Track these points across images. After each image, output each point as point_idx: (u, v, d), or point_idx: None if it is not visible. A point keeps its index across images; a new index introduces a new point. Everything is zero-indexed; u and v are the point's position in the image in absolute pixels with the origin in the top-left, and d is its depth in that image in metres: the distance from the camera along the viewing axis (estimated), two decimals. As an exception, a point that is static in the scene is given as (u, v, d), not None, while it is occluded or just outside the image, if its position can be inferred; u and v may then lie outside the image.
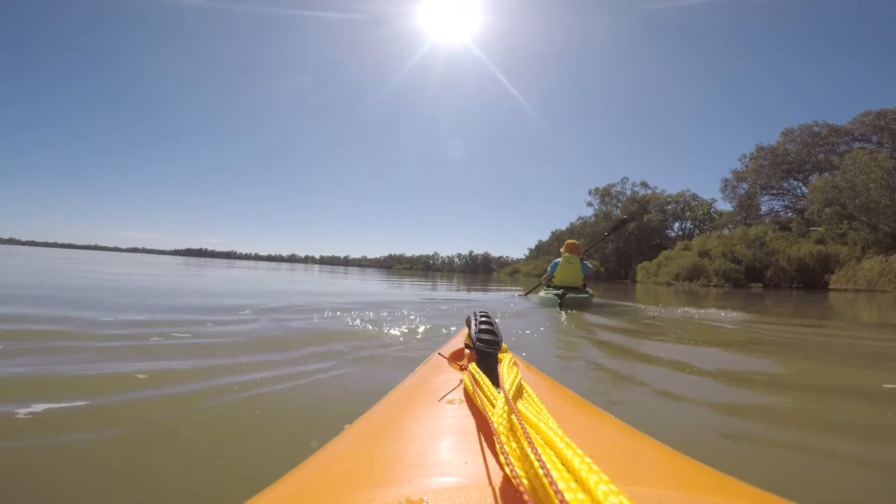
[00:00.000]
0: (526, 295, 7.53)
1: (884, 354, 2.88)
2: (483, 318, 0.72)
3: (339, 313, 3.64)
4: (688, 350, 2.64)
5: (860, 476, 1.00)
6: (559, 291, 5.62)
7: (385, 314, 3.75)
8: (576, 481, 0.27)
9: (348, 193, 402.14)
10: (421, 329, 2.97)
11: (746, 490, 0.37)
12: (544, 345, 2.79)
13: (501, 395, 0.44)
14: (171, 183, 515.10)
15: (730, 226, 35.66)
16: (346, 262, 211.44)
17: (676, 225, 44.57)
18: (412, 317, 3.65)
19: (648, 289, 19.11)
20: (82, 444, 1.03)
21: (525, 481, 0.30)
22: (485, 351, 0.63)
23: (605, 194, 47.86)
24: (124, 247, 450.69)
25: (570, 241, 6.72)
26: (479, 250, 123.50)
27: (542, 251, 62.50)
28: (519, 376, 0.55)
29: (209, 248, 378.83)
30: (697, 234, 37.45)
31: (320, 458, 0.47)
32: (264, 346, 2.24)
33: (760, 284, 20.33)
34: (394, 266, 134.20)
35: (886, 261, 15.16)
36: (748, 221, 31.17)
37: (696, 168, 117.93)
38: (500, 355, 0.65)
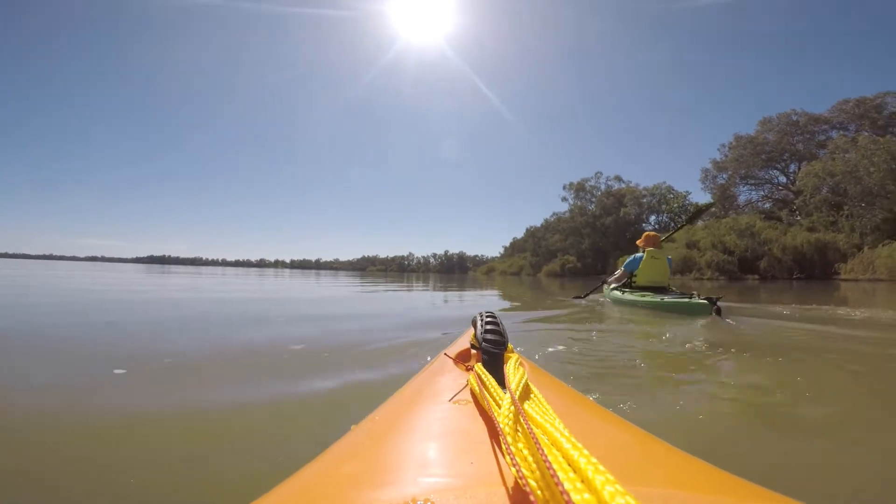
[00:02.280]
0: (585, 297, 6.46)
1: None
2: (489, 319, 0.72)
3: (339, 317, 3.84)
4: (701, 349, 2.51)
5: (869, 477, 0.99)
6: (653, 294, 4.80)
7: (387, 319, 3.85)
8: (582, 482, 0.28)
9: (319, 196, 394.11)
10: (426, 331, 3.02)
11: (754, 490, 0.37)
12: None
13: (507, 395, 0.45)
14: (130, 187, 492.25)
15: (705, 217, 35.24)
16: (318, 266, 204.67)
17: (653, 218, 44.35)
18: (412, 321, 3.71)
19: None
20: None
21: (531, 482, 0.30)
22: (491, 351, 0.64)
23: (579, 189, 47.91)
24: (82, 255, 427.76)
25: (649, 232, 5.75)
26: (454, 249, 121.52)
27: (517, 248, 62.10)
28: (525, 377, 0.55)
29: (174, 255, 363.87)
30: (673, 228, 36.98)
31: (327, 458, 0.48)
32: (269, 349, 2.32)
33: (756, 276, 19.30)
34: (367, 268, 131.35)
35: None
36: (726, 212, 30.60)
37: (671, 162, 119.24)
38: (506, 356, 0.66)
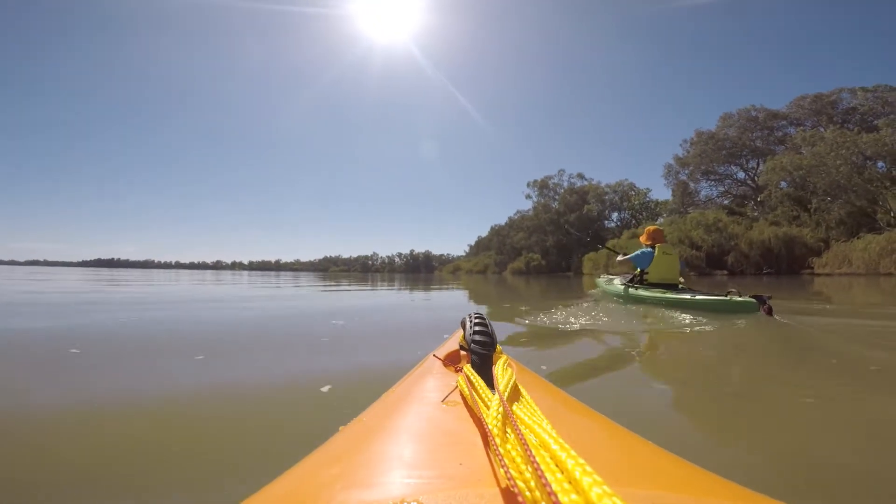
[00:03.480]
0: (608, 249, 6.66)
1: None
2: (478, 320, 0.72)
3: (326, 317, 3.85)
4: (689, 348, 2.55)
5: (854, 478, 0.99)
6: (671, 290, 4.64)
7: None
8: (570, 483, 0.28)
9: (279, 195, 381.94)
10: (415, 330, 3.18)
11: (739, 491, 0.37)
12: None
13: (496, 396, 0.46)
14: (73, 188, 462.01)
15: (665, 214, 35.32)
16: (278, 267, 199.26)
17: (615, 215, 44.75)
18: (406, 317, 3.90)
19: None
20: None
21: (520, 483, 0.30)
22: (479, 353, 0.64)
23: (542, 186, 48.27)
24: (22, 260, 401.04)
25: (653, 227, 5.45)
26: (419, 249, 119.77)
27: (482, 247, 61.67)
28: (513, 378, 0.55)
29: (123, 258, 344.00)
30: (634, 225, 37.09)
31: (315, 460, 0.48)
32: (256, 349, 2.32)
33: (725, 271, 18.90)
34: (329, 269, 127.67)
35: (887, 239, 13.76)
36: (685, 208, 30.65)
37: (633, 160, 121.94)
38: (494, 357, 0.66)
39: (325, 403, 1.43)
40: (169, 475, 0.94)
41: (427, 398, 0.60)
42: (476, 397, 0.50)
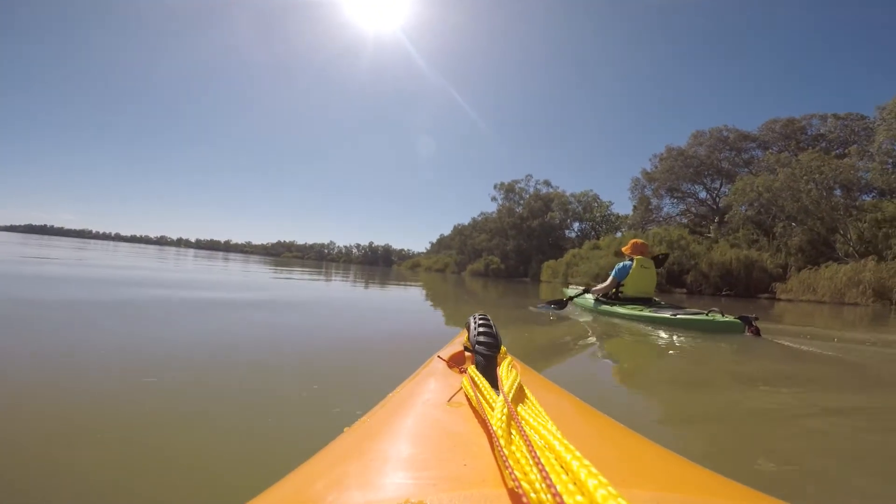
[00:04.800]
0: (562, 308, 5.45)
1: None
2: (482, 321, 0.73)
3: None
4: (691, 353, 2.66)
5: (854, 479, 1.04)
6: (646, 306, 4.57)
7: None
8: (574, 484, 0.28)
9: (234, 173, 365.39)
10: (420, 331, 3.21)
11: (744, 491, 0.38)
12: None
13: (500, 397, 0.46)
14: None
15: (624, 228, 35.43)
16: (228, 248, 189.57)
17: (577, 225, 45.08)
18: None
19: (557, 289, 16.58)
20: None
21: (524, 484, 0.30)
22: (484, 354, 0.64)
23: (509, 190, 48.20)
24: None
25: (636, 240, 5.31)
26: (379, 242, 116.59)
27: (444, 245, 60.77)
28: (518, 379, 0.56)
29: (58, 226, 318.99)
30: (594, 236, 37.18)
31: (320, 460, 0.48)
32: (259, 348, 2.26)
33: (684, 290, 18.51)
34: (282, 254, 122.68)
35: (854, 269, 13.56)
36: (646, 224, 30.72)
37: (602, 171, 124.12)
38: (499, 358, 0.66)
39: (326, 404, 1.44)
40: (169, 476, 0.94)
41: (431, 399, 0.59)
42: (480, 398, 0.50)
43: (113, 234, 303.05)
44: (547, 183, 46.70)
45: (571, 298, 5.82)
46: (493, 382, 0.56)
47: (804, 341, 3.44)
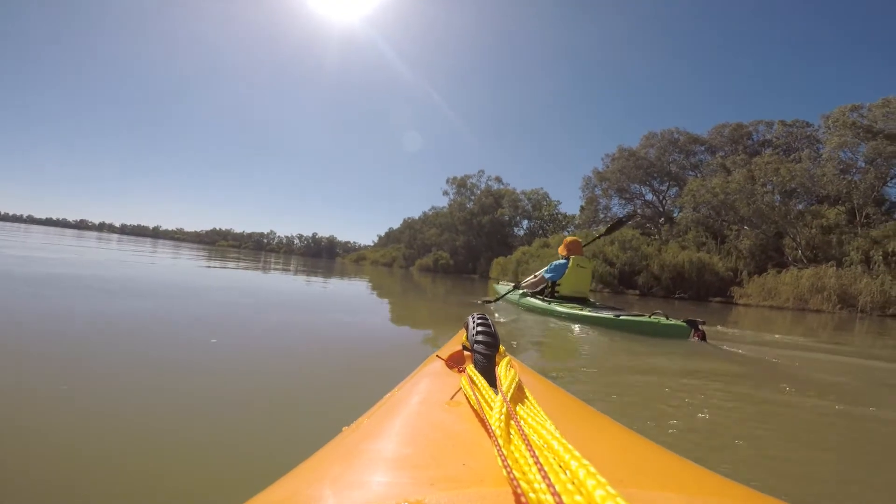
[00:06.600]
0: (495, 302, 5.78)
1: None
2: (481, 321, 0.72)
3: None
4: (686, 353, 2.72)
5: (853, 480, 1.06)
6: (580, 306, 4.55)
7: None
8: (573, 483, 0.28)
9: (164, 153, 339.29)
10: (419, 330, 3.15)
11: (742, 492, 0.38)
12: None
13: (499, 397, 0.46)
14: None
15: (570, 228, 35.41)
16: (156, 234, 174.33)
17: (525, 223, 45.04)
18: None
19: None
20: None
21: (523, 484, 0.30)
22: (483, 353, 0.64)
23: (461, 185, 47.28)
24: None
25: (571, 238, 5.29)
26: (324, 233, 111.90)
27: (392, 239, 58.84)
28: (517, 378, 0.56)
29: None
30: (542, 235, 36.97)
31: (318, 460, 0.48)
32: (257, 348, 2.21)
33: (637, 292, 18.10)
34: (217, 242, 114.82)
35: (816, 275, 13.38)
36: (592, 224, 30.70)
37: (555, 169, 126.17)
38: (497, 357, 0.66)
39: (324, 403, 1.44)
40: (170, 477, 0.92)
41: (430, 399, 0.59)
42: (479, 398, 0.50)
43: (24, 216, 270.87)
44: (498, 179, 46.63)
45: (503, 296, 5.86)
46: (492, 382, 0.56)
47: (752, 348, 3.42)
